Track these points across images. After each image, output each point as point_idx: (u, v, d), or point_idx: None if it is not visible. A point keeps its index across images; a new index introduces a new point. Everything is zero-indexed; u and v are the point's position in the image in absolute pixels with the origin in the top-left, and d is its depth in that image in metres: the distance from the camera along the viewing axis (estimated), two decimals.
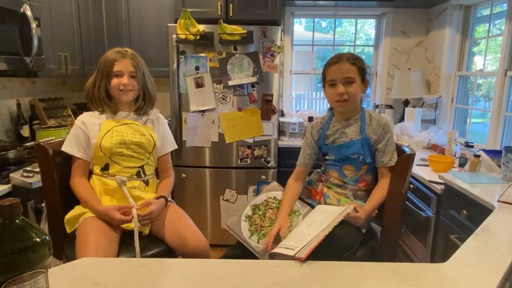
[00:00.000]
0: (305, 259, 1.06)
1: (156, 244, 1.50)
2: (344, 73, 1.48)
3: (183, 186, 2.82)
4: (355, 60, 1.51)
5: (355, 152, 1.55)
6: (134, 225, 1.44)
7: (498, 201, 1.51)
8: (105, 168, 1.56)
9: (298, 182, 1.65)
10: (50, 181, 1.51)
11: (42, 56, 2.16)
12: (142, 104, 1.66)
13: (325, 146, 1.63)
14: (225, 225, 1.56)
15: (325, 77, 1.56)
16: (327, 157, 1.64)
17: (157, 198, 1.58)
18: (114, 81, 1.56)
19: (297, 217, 1.54)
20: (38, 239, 0.66)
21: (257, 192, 2.79)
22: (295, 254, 1.13)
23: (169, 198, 1.72)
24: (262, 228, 1.51)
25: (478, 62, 2.94)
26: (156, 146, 1.66)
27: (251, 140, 2.73)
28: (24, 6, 1.94)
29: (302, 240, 1.21)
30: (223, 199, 2.83)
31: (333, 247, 1.36)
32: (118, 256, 1.38)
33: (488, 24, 2.75)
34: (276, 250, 1.26)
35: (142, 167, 1.61)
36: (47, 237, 0.68)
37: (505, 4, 2.47)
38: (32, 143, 2.16)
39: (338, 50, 3.74)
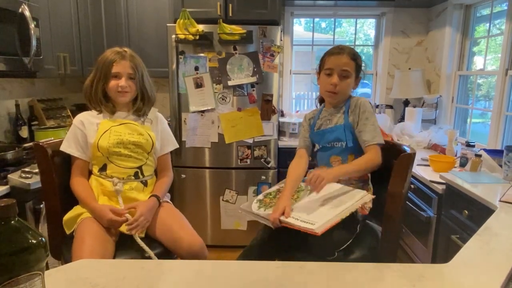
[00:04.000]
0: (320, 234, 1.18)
1: (153, 247, 1.47)
2: (342, 65, 1.52)
3: (183, 187, 2.80)
4: (355, 56, 1.55)
5: (338, 138, 1.56)
6: (132, 233, 1.44)
7: (500, 201, 1.50)
8: (103, 168, 1.55)
9: (301, 159, 1.64)
10: (49, 181, 1.50)
11: (41, 57, 2.15)
12: (141, 105, 1.65)
13: (313, 134, 1.66)
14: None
15: (322, 65, 1.59)
16: (315, 149, 1.67)
17: (149, 198, 1.56)
18: (112, 83, 1.55)
19: (301, 191, 1.53)
20: (34, 241, 0.65)
21: (257, 193, 2.78)
22: (315, 229, 1.20)
23: (167, 199, 1.71)
24: (271, 204, 1.51)
25: (478, 61, 2.93)
26: (155, 145, 1.64)
27: (251, 141, 2.72)
28: (22, 6, 1.93)
29: (322, 218, 1.27)
30: (223, 200, 2.82)
31: (321, 243, 1.36)
32: (114, 258, 1.37)
33: (488, 24, 2.74)
34: (290, 221, 1.30)
35: (140, 167, 1.60)
36: (43, 239, 0.67)
37: (505, 4, 2.47)
38: (31, 143, 2.15)
39: None
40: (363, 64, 1.59)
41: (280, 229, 1.37)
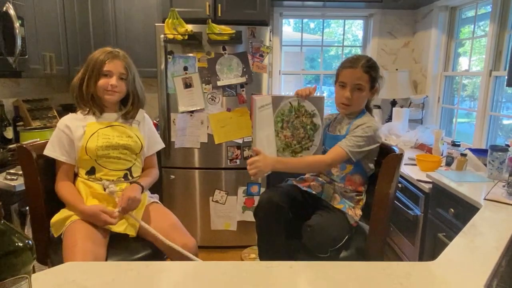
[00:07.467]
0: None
1: (144, 247, 1.47)
2: (355, 79, 1.53)
3: (172, 188, 2.78)
4: (369, 69, 1.53)
5: None
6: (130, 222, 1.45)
7: (485, 199, 1.53)
8: (91, 171, 1.53)
9: None
10: (33, 184, 1.47)
11: (26, 56, 2.10)
12: (130, 108, 1.63)
13: (324, 134, 1.69)
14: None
15: (337, 77, 1.60)
16: None
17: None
18: (102, 81, 1.52)
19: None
20: (20, 244, 0.64)
21: (247, 193, 2.79)
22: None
23: (156, 200, 1.70)
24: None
25: (463, 62, 2.99)
26: (144, 147, 1.63)
27: (240, 141, 2.72)
28: (7, 5, 1.89)
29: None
30: (212, 200, 2.81)
31: (318, 239, 1.37)
32: (106, 259, 1.35)
33: (473, 25, 2.80)
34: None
35: (129, 169, 1.58)
36: (30, 242, 0.66)
37: (489, 6, 2.52)
38: (15, 145, 2.11)
39: (326, 51, 3.76)
40: (380, 75, 1.58)
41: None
